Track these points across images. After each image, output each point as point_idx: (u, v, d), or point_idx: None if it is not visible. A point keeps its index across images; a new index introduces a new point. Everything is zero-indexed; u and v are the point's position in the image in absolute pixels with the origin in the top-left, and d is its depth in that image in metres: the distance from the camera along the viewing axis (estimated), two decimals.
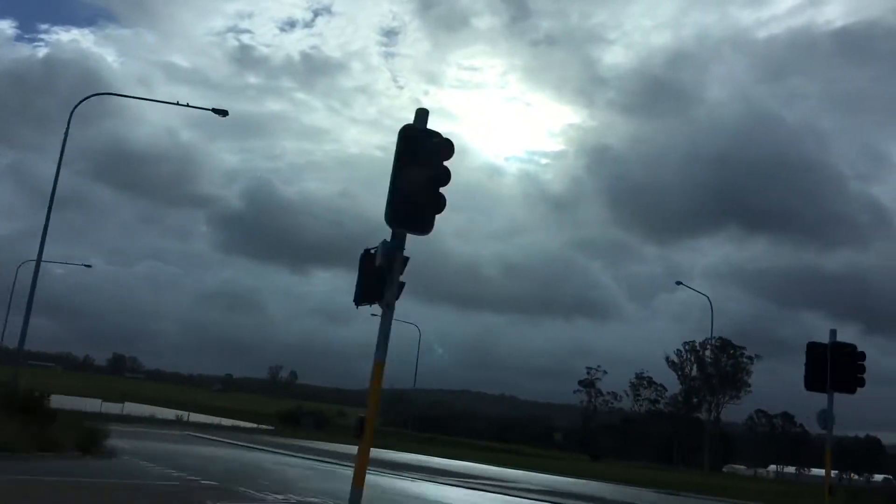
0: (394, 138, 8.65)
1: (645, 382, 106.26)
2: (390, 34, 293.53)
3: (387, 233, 8.66)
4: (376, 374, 8.47)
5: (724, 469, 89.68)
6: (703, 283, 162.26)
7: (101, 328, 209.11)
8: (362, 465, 8.35)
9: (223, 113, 29.58)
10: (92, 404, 57.54)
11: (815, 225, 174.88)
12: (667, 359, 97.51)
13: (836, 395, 16.93)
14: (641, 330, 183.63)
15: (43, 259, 27.13)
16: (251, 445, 39.24)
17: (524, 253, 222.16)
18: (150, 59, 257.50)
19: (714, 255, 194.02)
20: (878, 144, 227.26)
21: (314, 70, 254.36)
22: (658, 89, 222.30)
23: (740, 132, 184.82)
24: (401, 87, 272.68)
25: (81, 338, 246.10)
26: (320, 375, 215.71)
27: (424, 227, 8.67)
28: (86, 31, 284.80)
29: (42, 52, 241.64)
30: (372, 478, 24.78)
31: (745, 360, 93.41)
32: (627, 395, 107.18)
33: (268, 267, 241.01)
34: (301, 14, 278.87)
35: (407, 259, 8.87)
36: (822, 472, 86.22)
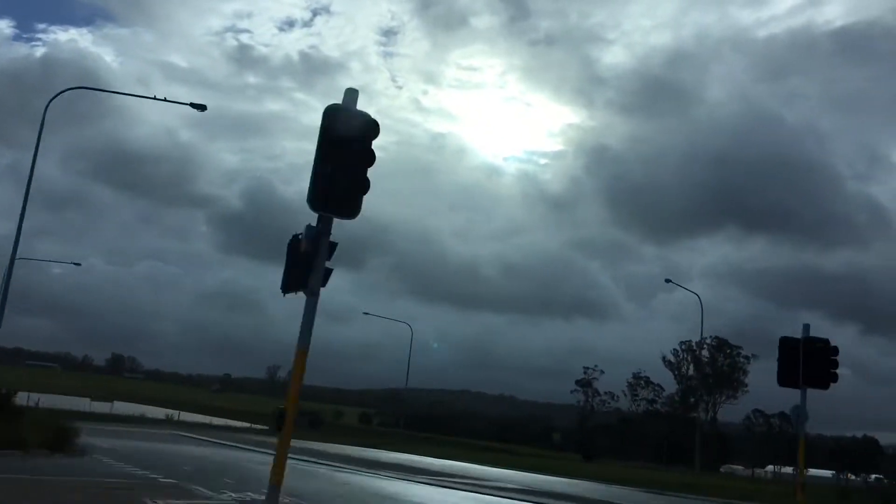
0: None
1: (642, 382, 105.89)
2: (389, 34, 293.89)
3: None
4: (298, 363, 8.15)
5: (721, 469, 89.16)
6: (701, 283, 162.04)
7: (101, 328, 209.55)
8: (282, 458, 8.00)
9: (201, 108, 29.17)
10: (82, 403, 57.28)
11: (814, 225, 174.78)
12: (663, 358, 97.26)
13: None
14: (640, 330, 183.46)
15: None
16: (237, 445, 38.93)
17: (523, 253, 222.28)
18: (148, 59, 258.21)
19: (713, 255, 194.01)
20: (878, 145, 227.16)
21: (313, 70, 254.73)
22: (657, 89, 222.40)
23: (739, 132, 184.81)
24: (400, 87, 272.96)
25: (81, 338, 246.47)
26: (319, 376, 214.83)
27: (350, 210, 8.36)
28: (84, 30, 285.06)
29: (40, 51, 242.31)
30: (346, 476, 24.52)
31: (741, 359, 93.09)
32: (625, 395, 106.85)
33: (267, 267, 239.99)
34: (300, 14, 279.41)
35: (334, 245, 8.56)
36: (819, 472, 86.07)
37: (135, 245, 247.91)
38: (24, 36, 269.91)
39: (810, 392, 16.52)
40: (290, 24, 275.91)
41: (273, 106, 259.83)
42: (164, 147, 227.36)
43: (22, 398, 48.84)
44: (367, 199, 8.31)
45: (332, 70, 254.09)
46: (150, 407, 71.48)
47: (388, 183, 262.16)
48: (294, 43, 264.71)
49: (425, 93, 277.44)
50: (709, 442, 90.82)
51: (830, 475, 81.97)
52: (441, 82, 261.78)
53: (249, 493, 15.48)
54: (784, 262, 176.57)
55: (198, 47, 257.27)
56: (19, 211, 26.85)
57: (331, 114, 8.25)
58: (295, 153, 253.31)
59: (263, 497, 15.29)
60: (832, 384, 16.38)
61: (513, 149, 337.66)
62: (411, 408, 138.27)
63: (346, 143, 8.22)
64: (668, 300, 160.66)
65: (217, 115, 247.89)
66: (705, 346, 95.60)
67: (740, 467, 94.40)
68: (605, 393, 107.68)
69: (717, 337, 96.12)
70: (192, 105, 29.33)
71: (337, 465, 29.39)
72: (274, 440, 49.36)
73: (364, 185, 8.34)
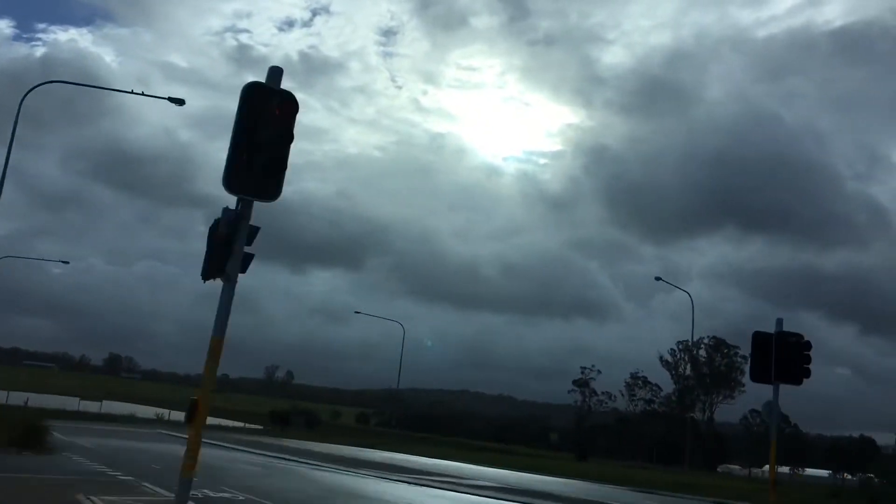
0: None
1: (640, 382, 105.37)
2: (389, 34, 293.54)
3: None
4: (213, 351, 7.76)
5: (718, 469, 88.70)
6: (700, 283, 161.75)
7: (99, 328, 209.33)
8: (194, 450, 7.62)
9: (180, 102, 28.89)
10: (71, 402, 57.02)
11: (813, 225, 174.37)
12: (660, 358, 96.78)
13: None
14: (639, 329, 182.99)
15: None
16: (223, 444, 38.59)
17: (522, 253, 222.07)
18: (147, 59, 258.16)
19: (712, 254, 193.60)
20: (876, 144, 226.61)
21: (313, 70, 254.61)
22: (656, 89, 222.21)
23: (739, 132, 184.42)
24: (399, 87, 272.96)
25: (79, 338, 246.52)
26: (317, 376, 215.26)
27: (269, 192, 7.99)
28: (83, 30, 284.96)
29: (40, 51, 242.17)
30: (323, 474, 24.17)
31: (739, 359, 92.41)
32: (623, 394, 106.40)
33: (266, 267, 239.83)
34: (299, 14, 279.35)
35: (256, 229, 8.18)
36: (817, 471, 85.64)
37: (134, 245, 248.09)
38: (24, 36, 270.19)
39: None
40: (289, 24, 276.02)
41: None
42: (164, 147, 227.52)
43: (14, 398, 48.93)
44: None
45: (331, 70, 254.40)
46: (141, 406, 71.19)
47: (388, 183, 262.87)
48: (293, 43, 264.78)
49: (425, 93, 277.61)
50: (706, 442, 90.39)
51: (827, 475, 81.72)
52: (440, 82, 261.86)
53: (206, 491, 15.13)
54: (783, 262, 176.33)
55: (197, 47, 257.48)
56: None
57: (249, 92, 7.89)
58: (294, 153, 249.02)
59: (216, 495, 15.00)
60: (805, 379, 15.94)
61: (512, 149, 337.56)
62: (410, 408, 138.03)
63: (265, 122, 7.85)
64: (666, 300, 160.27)
65: (216, 115, 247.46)
66: (703, 345, 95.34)
67: (737, 467, 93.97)
68: (603, 393, 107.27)
69: (714, 337, 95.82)
70: (170, 99, 29.07)
71: (319, 463, 29.07)
72: (267, 440, 49.08)
73: (283, 166, 7.98)
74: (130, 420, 57.16)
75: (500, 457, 59.49)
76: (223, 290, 7.88)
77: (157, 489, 14.51)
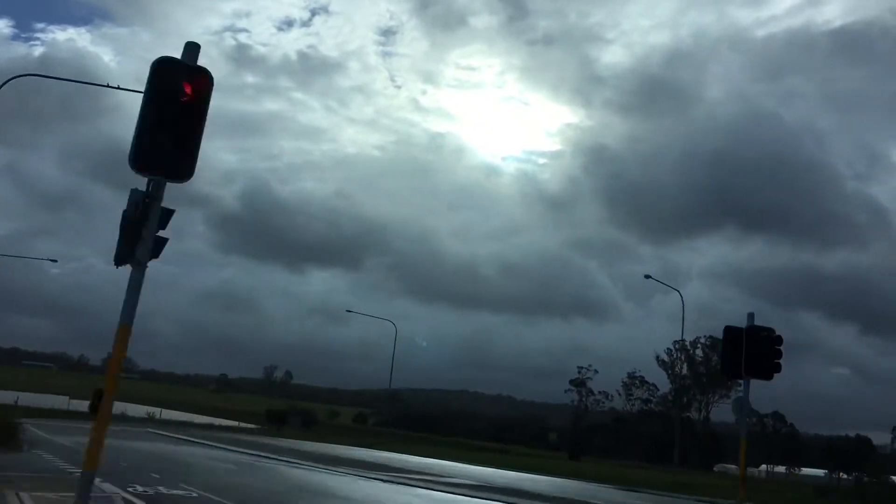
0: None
1: (637, 382, 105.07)
2: (388, 33, 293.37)
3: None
4: (120, 338, 7.40)
5: (715, 468, 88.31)
6: (700, 283, 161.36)
7: (97, 328, 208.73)
8: (98, 441, 7.25)
9: None
10: (61, 401, 56.77)
11: (813, 225, 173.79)
12: (657, 357, 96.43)
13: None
14: (638, 329, 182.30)
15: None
16: (209, 443, 38.28)
17: (521, 252, 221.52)
18: (146, 58, 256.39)
19: (711, 254, 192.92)
20: (876, 144, 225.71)
21: (311, 69, 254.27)
22: (655, 89, 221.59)
23: (738, 132, 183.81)
24: (398, 87, 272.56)
25: (78, 338, 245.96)
26: (316, 375, 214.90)
27: (181, 172, 7.61)
28: (82, 29, 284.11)
29: (38, 51, 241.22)
30: (296, 472, 23.85)
31: None
32: (620, 394, 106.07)
33: (265, 267, 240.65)
34: (298, 13, 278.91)
35: (170, 212, 7.82)
36: (813, 471, 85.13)
37: None
38: (23, 35, 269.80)
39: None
40: (288, 23, 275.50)
41: (271, 105, 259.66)
42: None
43: (7, 397, 48.73)
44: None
45: (330, 70, 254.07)
46: (133, 405, 70.82)
47: (387, 182, 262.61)
48: (292, 42, 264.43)
49: (424, 92, 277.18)
50: (702, 441, 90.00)
51: (823, 474, 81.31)
52: (440, 82, 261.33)
53: (160, 488, 14.79)
54: (782, 262, 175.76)
55: None
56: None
57: (159, 67, 7.54)
58: (292, 153, 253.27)
59: (169, 492, 14.66)
60: (775, 374, 15.60)
61: (511, 148, 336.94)
62: (410, 408, 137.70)
63: (176, 98, 7.50)
64: (665, 300, 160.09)
65: (215, 115, 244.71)
66: (699, 345, 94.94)
67: (734, 466, 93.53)
68: (599, 392, 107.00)
69: (711, 336, 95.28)
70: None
71: (302, 462, 28.72)
72: (255, 439, 48.66)
73: (196, 144, 7.62)
74: (121, 419, 56.81)
75: (494, 456, 59.17)
76: (132, 275, 7.52)
77: (105, 485, 14.16)
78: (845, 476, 75.23)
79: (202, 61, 7.76)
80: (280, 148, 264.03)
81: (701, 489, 36.11)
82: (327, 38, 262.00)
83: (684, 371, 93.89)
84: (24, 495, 11.43)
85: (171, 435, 42.78)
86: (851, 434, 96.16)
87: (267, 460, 28.67)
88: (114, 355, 7.44)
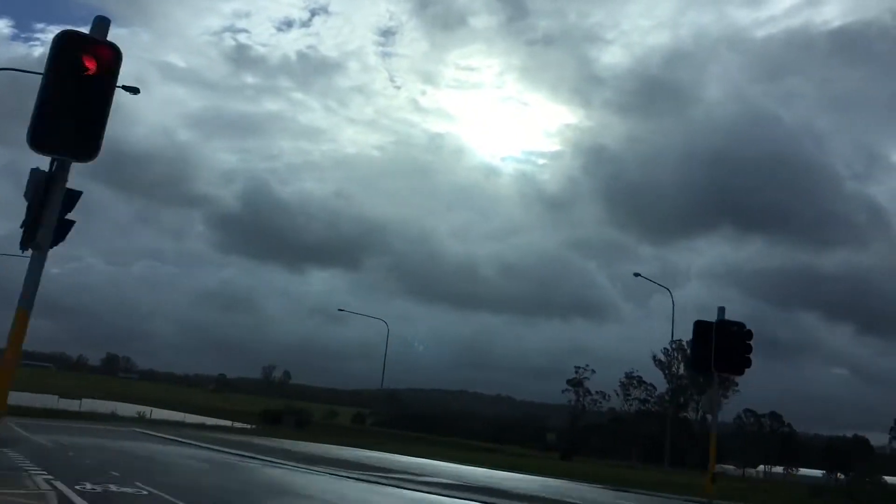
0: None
1: (635, 382, 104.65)
2: (387, 34, 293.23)
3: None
4: (18, 324, 7.02)
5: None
6: (698, 283, 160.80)
7: (96, 328, 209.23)
8: None
9: (134, 90, 28.23)
10: (50, 400, 56.51)
11: (812, 225, 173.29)
12: (654, 357, 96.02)
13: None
14: (637, 329, 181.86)
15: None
16: (191, 442, 37.92)
17: (521, 253, 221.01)
18: (146, 59, 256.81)
19: (710, 254, 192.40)
20: (875, 144, 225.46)
21: (311, 70, 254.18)
22: (655, 89, 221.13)
23: (737, 132, 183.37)
24: (398, 87, 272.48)
25: (77, 338, 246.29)
26: (315, 376, 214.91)
27: (85, 151, 7.23)
28: (82, 30, 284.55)
29: (38, 51, 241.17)
30: (269, 471, 23.48)
31: None
32: (617, 394, 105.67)
33: (264, 267, 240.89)
34: (298, 14, 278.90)
35: (76, 194, 7.44)
36: (810, 471, 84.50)
37: (131, 245, 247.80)
38: (22, 35, 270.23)
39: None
40: (288, 24, 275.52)
41: (271, 106, 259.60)
42: (162, 147, 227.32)
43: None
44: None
45: (330, 70, 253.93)
46: (125, 404, 70.58)
47: (386, 183, 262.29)
48: (292, 43, 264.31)
49: (423, 93, 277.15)
50: (699, 441, 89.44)
51: (821, 474, 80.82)
52: (439, 82, 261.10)
53: (111, 486, 14.41)
54: (781, 262, 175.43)
55: (196, 47, 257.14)
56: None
57: (61, 41, 7.17)
58: (292, 153, 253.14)
59: (120, 490, 14.28)
60: (746, 370, 15.21)
61: (510, 149, 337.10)
62: (408, 408, 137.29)
63: (80, 74, 7.13)
64: (664, 300, 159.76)
65: (215, 115, 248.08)
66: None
67: (732, 467, 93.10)
68: (597, 392, 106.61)
69: None
70: (125, 88, 28.38)
71: (282, 461, 28.33)
72: (243, 439, 48.19)
73: (102, 123, 7.24)
74: (111, 418, 56.56)
75: (487, 455, 58.80)
76: (32, 259, 7.14)
77: (57, 483, 13.79)
78: (843, 476, 74.78)
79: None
80: (280, 148, 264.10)
81: (692, 489, 35.61)
82: (327, 39, 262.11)
83: (681, 371, 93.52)
84: None
85: (158, 435, 42.42)
86: (849, 434, 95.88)
87: (251, 460, 28.28)
88: (11, 342, 7.06)
